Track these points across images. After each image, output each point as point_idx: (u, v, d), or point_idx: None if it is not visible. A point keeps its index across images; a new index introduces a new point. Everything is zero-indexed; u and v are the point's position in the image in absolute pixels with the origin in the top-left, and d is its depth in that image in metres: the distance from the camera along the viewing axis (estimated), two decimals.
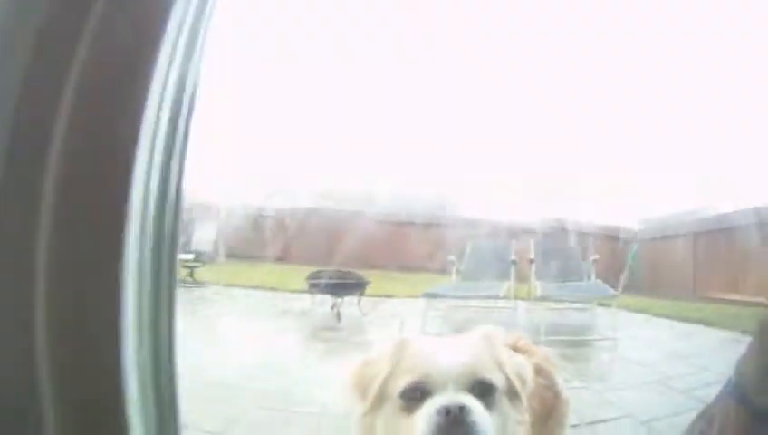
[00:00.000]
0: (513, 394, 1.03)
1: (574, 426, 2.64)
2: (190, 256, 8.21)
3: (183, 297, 6.70)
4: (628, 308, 6.88)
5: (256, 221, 11.58)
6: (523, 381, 1.07)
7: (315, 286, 6.14)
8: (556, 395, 1.41)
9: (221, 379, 3.07)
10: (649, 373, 3.77)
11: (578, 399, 3.04)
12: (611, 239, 10.12)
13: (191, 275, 7.90)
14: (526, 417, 1.07)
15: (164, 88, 0.62)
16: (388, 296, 6.97)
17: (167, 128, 0.64)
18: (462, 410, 0.91)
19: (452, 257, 6.66)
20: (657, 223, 11.32)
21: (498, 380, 0.99)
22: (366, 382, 1.02)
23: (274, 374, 3.36)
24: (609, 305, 5.71)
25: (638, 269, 9.47)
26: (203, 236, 8.93)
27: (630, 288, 8.98)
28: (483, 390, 0.97)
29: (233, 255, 10.95)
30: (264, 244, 11.59)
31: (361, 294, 5.99)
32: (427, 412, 0.92)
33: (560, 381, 1.45)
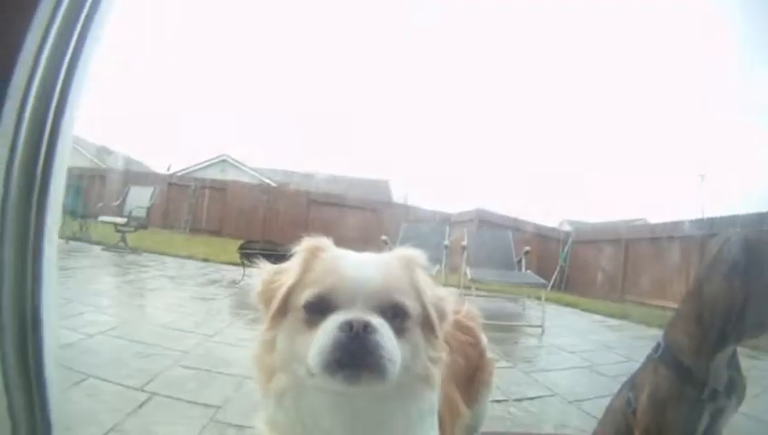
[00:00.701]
0: (428, 326, 0.95)
1: (501, 401, 2.60)
2: (122, 220, 8.23)
3: (114, 260, 7.15)
4: (558, 302, 7.15)
5: (194, 192, 12.04)
6: (442, 315, 0.99)
7: (245, 256, 6.06)
8: (481, 354, 1.38)
9: (145, 338, 3.13)
10: (577, 360, 3.79)
11: (506, 377, 3.05)
12: (546, 238, 10.39)
13: (123, 239, 7.96)
14: (443, 356, 0.98)
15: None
16: None
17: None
18: (366, 327, 0.84)
19: (384, 237, 6.55)
20: (591, 227, 11.98)
21: (412, 307, 0.92)
22: (272, 292, 0.95)
23: (199, 338, 3.37)
24: (539, 298, 5.70)
25: (569, 268, 9.87)
26: (137, 201, 8.77)
27: (561, 285, 9.52)
28: (394, 313, 0.90)
29: (167, 224, 11.27)
30: (200, 215, 11.85)
31: None
32: (328, 326, 0.85)
33: (484, 339, 1.41)
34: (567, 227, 11.74)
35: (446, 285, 6.31)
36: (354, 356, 0.82)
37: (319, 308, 0.89)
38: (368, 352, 0.83)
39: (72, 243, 7.69)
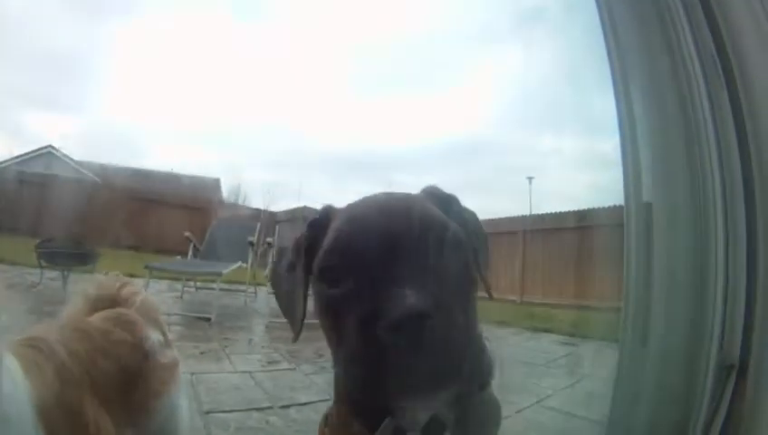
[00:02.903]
0: None
1: (263, 409, 2.33)
2: None
3: None
4: None
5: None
6: None
7: (44, 256, 5.63)
8: (144, 356, 1.19)
9: None
10: None
11: (282, 381, 2.86)
12: None
13: None
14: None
15: None
16: (131, 275, 6.29)
17: None
18: None
19: (188, 234, 6.48)
20: None
21: None
22: None
23: None
24: None
25: None
26: None
27: None
28: None
29: None
30: (8, 212, 10.67)
31: (93, 269, 5.42)
32: None
33: (154, 338, 1.24)
34: None
35: (251, 282, 6.17)
36: None
37: None
38: None
39: None
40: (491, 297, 0.74)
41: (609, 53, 1.10)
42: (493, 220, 9.73)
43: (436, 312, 0.59)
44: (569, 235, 8.20)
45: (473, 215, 0.82)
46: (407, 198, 0.75)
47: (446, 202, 0.77)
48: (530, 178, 11.48)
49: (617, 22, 1.09)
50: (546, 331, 5.48)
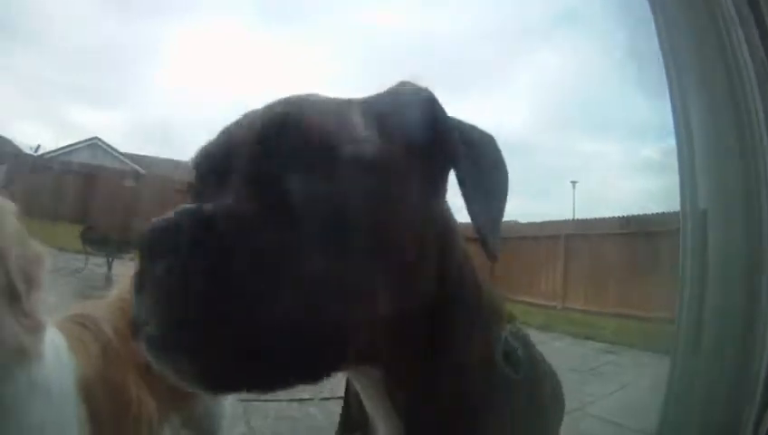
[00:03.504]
0: (13, 297, 0.85)
1: (304, 400, 2.35)
2: None
3: None
4: None
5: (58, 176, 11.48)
6: (30, 282, 0.88)
7: (89, 242, 5.90)
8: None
9: None
10: None
11: None
12: None
13: None
14: (42, 323, 0.88)
15: None
16: None
17: None
18: None
19: None
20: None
21: None
22: None
23: None
24: None
25: None
26: None
27: None
28: None
29: (28, 211, 10.38)
30: (64, 200, 11.26)
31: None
32: None
33: None
34: None
35: None
36: None
37: None
38: None
39: None
40: (490, 259, 0.55)
41: (663, 56, 1.10)
42: (534, 224, 9.65)
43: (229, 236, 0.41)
44: (613, 241, 8.02)
45: (482, 135, 0.60)
46: (296, 101, 0.52)
47: (417, 109, 0.56)
48: (573, 183, 11.23)
49: (671, 24, 1.08)
50: (588, 338, 5.40)
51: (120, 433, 1.01)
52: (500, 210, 0.58)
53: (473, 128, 0.59)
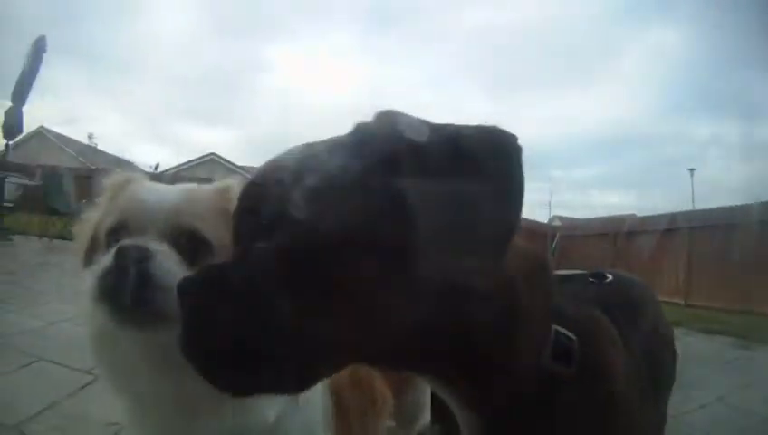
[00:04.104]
0: None
1: None
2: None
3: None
4: None
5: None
6: None
7: None
8: None
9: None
10: None
11: None
12: (534, 233, 10.68)
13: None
14: None
15: None
16: None
17: None
18: (142, 252, 0.76)
19: None
20: (582, 223, 12.16)
21: (216, 236, 0.83)
22: (86, 228, 0.93)
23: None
24: None
25: (557, 261, 10.13)
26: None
27: None
28: (190, 242, 0.83)
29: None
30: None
31: None
32: (107, 255, 0.78)
33: None
34: (557, 223, 11.98)
35: None
36: (119, 287, 0.74)
37: (116, 237, 0.83)
38: (139, 282, 0.74)
39: (56, 241, 7.89)
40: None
41: None
42: (652, 217, 9.30)
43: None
44: (736, 231, 7.38)
45: (485, 141, 0.55)
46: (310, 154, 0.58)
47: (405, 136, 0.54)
48: (691, 170, 10.46)
49: None
50: (718, 333, 5.31)
51: (365, 427, 1.04)
52: (506, 223, 0.55)
53: (481, 129, 0.57)
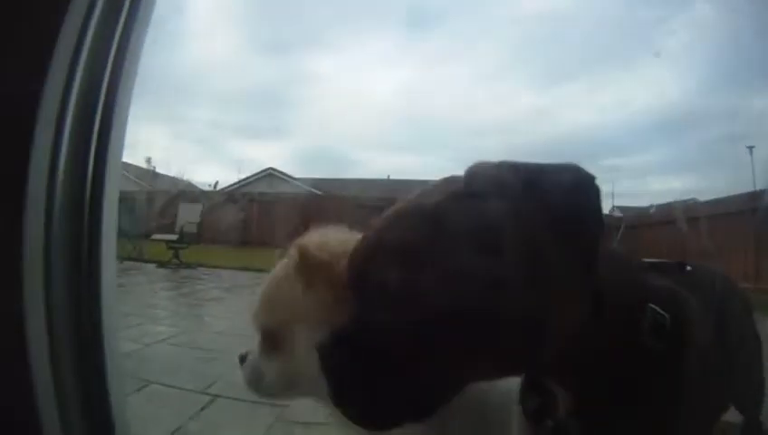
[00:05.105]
0: None
1: None
2: (174, 237, 9.21)
3: (168, 276, 7.82)
4: None
5: (238, 206, 12.87)
6: None
7: None
8: None
9: (204, 344, 3.43)
10: None
11: None
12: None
13: (176, 255, 8.81)
14: None
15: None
16: None
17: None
18: (242, 359, 1.00)
19: None
20: (642, 212, 11.93)
21: (282, 322, 0.92)
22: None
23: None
24: None
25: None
26: (187, 217, 9.80)
27: None
28: (265, 335, 0.97)
29: (218, 238, 11.83)
30: (249, 227, 12.58)
31: None
32: None
33: None
34: (618, 213, 11.87)
35: None
36: None
37: None
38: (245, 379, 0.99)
39: (126, 262, 8.14)
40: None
41: None
42: (714, 201, 9.11)
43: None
44: None
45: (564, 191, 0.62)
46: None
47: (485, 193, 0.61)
48: (750, 148, 9.97)
49: None
50: None
51: None
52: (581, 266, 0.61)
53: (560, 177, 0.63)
